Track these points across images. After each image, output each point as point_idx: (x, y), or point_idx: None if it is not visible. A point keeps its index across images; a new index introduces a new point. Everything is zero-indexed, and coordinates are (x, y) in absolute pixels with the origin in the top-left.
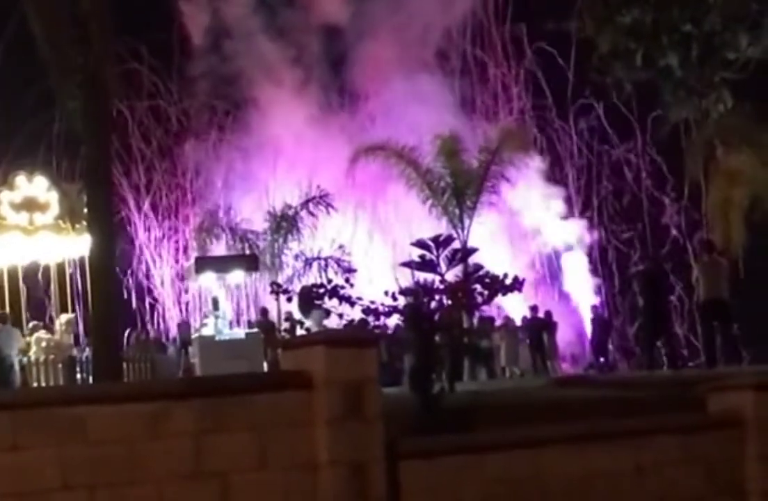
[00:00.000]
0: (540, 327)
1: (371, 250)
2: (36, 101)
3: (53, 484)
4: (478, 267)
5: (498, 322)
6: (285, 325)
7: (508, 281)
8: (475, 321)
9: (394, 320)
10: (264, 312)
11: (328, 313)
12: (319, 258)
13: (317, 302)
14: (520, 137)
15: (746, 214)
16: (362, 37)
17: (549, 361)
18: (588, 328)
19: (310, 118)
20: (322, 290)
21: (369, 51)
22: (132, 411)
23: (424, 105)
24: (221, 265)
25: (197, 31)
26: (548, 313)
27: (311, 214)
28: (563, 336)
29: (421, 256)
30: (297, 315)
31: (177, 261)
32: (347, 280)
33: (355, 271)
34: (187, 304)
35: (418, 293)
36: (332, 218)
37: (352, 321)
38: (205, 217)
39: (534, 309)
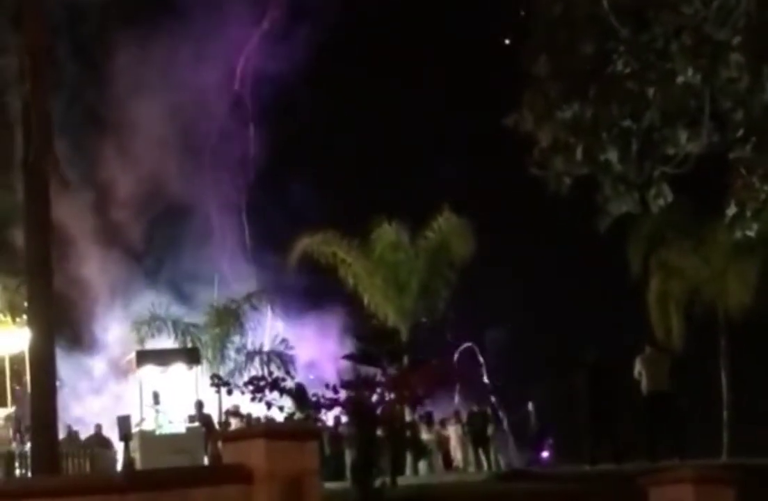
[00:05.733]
0: (483, 421)
1: (315, 343)
2: None
3: None
4: (420, 360)
5: (444, 415)
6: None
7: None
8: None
9: (335, 413)
10: (200, 405)
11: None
12: (261, 352)
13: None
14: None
15: (686, 308)
16: None
17: (492, 455)
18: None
19: None
20: (262, 383)
21: None
22: None
23: None
24: (162, 358)
25: None
26: (493, 407)
27: (254, 308)
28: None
29: (364, 349)
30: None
31: None
32: (288, 373)
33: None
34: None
35: (359, 386)
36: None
37: (293, 414)
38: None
39: (478, 403)
